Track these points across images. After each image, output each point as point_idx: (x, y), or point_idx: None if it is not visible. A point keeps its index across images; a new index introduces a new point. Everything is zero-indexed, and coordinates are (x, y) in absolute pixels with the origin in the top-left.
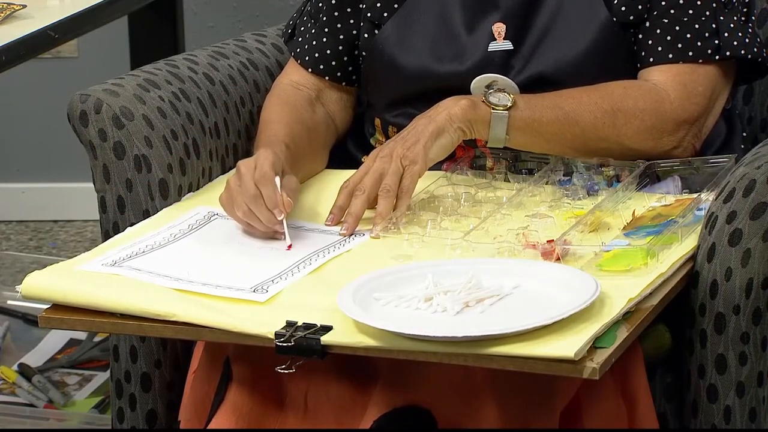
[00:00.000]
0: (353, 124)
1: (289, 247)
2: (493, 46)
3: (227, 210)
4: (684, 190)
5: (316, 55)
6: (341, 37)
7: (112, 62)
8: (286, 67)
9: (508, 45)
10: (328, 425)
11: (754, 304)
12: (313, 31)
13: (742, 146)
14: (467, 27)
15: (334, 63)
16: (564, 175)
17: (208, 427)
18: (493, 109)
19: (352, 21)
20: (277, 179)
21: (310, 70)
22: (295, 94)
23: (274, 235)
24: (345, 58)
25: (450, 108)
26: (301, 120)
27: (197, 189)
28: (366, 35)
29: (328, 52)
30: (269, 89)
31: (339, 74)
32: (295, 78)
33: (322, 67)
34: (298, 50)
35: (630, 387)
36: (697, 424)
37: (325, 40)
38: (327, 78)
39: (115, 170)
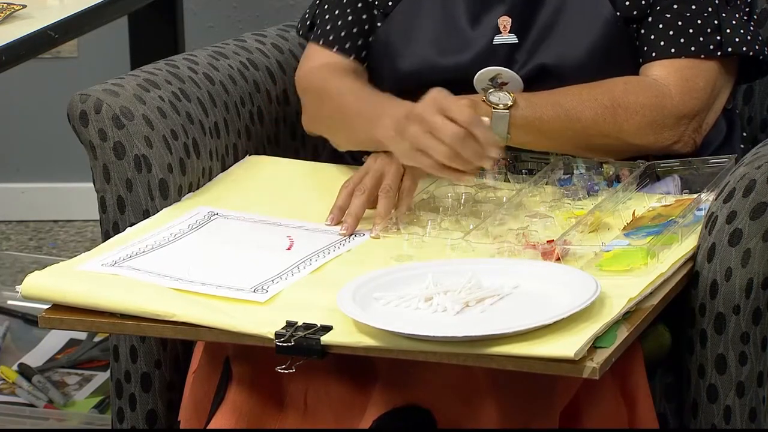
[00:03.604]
0: None
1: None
2: (498, 39)
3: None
4: (684, 190)
5: (343, 34)
6: (364, 17)
7: (112, 62)
8: (304, 60)
9: (512, 38)
10: (328, 425)
11: (754, 304)
12: (336, 11)
13: (742, 146)
14: (472, 20)
15: (360, 42)
16: (564, 175)
17: (208, 427)
18: (494, 108)
19: (365, 6)
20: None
21: (336, 48)
22: (335, 67)
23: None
24: (361, 40)
25: None
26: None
27: (197, 189)
28: (379, 24)
29: (355, 30)
30: (269, 89)
31: (363, 54)
32: (323, 60)
33: (348, 45)
34: (319, 32)
35: (630, 387)
36: (697, 424)
37: (350, 18)
38: (353, 56)
39: (115, 170)
